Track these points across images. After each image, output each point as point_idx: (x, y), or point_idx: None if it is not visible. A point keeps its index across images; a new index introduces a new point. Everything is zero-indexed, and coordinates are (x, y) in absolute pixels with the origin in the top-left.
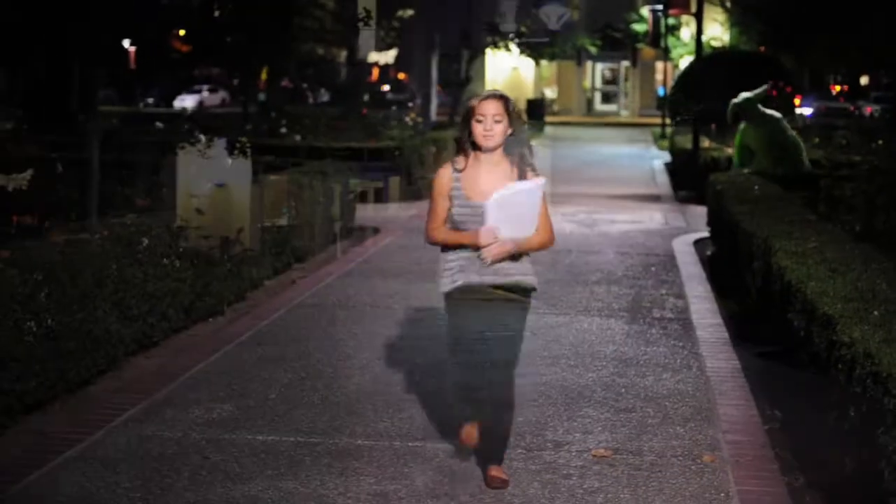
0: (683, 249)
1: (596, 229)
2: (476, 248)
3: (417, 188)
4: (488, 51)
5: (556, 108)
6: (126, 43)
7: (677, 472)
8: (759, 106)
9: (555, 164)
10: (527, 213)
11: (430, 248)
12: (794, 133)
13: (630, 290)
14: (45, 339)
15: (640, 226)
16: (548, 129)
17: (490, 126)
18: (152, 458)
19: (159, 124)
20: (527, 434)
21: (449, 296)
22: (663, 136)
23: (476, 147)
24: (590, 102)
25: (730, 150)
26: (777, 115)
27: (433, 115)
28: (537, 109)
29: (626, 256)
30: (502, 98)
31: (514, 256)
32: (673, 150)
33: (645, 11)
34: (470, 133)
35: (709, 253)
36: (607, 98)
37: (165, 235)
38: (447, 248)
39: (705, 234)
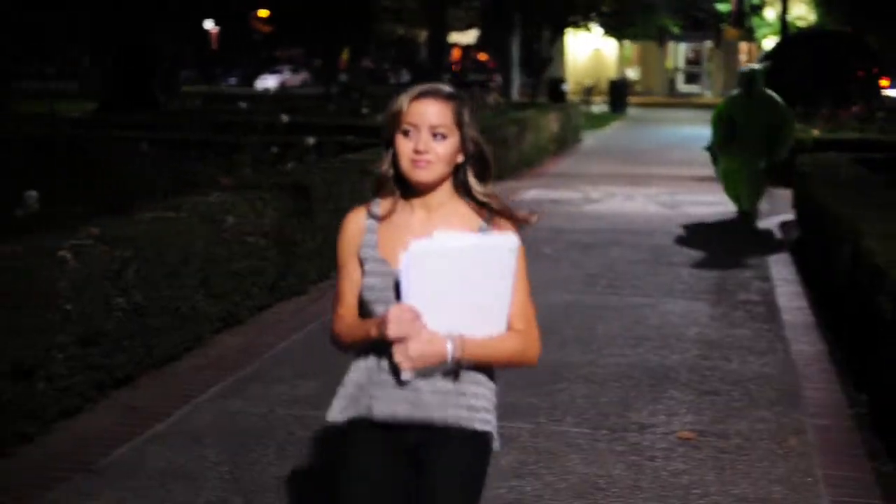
0: (769, 232)
1: (678, 210)
2: (390, 346)
3: (497, 169)
4: (569, 30)
5: (638, 88)
6: (209, 24)
7: (763, 456)
8: (760, 82)
9: (637, 145)
10: (484, 289)
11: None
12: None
13: (714, 273)
14: (133, 315)
15: (724, 207)
16: (630, 111)
17: (426, 143)
18: (238, 433)
19: (242, 104)
20: (611, 415)
21: (347, 430)
22: None
23: (401, 180)
24: (672, 83)
25: (816, 132)
26: (774, 94)
27: (515, 96)
28: (619, 90)
29: (710, 238)
30: (451, 97)
31: (456, 371)
32: None
33: None
34: (393, 154)
35: (794, 236)
36: (690, 79)
37: (250, 214)
38: (360, 349)
39: (790, 216)
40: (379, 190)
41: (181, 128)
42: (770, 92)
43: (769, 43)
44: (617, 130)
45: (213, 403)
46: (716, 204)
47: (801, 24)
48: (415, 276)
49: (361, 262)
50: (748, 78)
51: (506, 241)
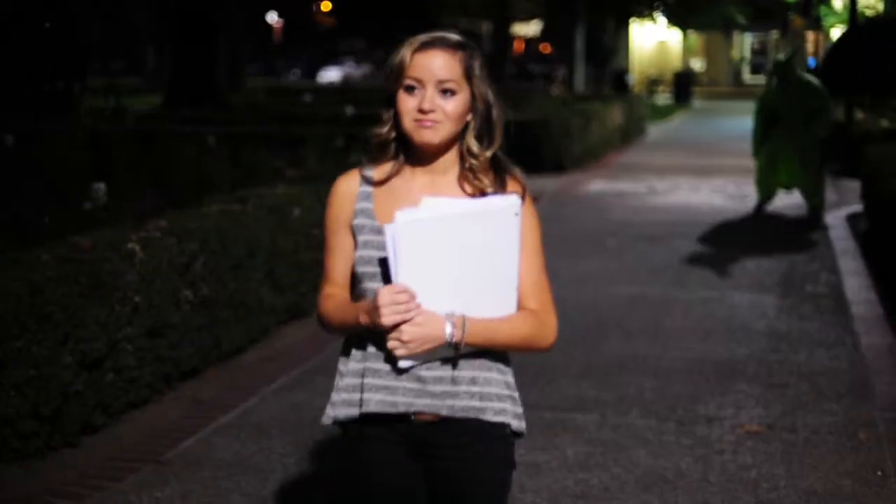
0: (836, 224)
1: (744, 202)
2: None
3: (560, 160)
4: (634, 21)
5: (703, 79)
6: (272, 17)
7: (832, 449)
8: (795, 68)
9: (702, 136)
10: (486, 261)
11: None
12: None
13: (781, 265)
14: (200, 307)
15: (791, 199)
16: (695, 102)
17: (432, 101)
18: (305, 425)
19: (307, 97)
20: (679, 408)
21: (345, 430)
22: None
23: (404, 142)
24: (738, 74)
25: (885, 123)
26: (815, 80)
27: (580, 87)
28: (684, 82)
29: (777, 230)
30: (460, 47)
31: (464, 357)
32: None
33: None
34: (395, 113)
35: (863, 228)
36: (756, 69)
37: (316, 206)
38: (352, 336)
39: (858, 208)
40: (378, 153)
41: (246, 121)
42: (806, 76)
43: (836, 32)
44: (682, 122)
45: (278, 395)
46: (782, 195)
47: (869, 12)
48: (404, 250)
49: (354, 233)
50: (782, 67)
51: (505, 203)
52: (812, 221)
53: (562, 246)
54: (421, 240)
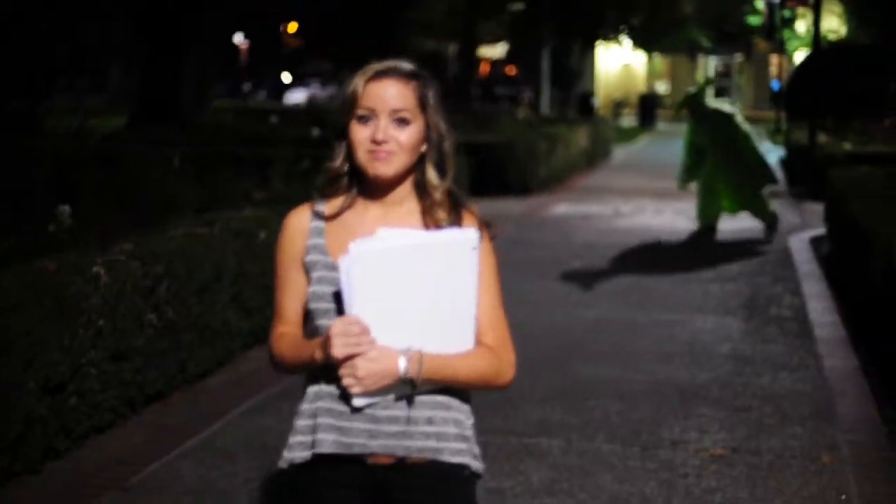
0: (799, 246)
1: None
2: (336, 368)
3: (526, 183)
4: (600, 44)
5: (668, 102)
6: (239, 38)
7: (796, 473)
8: (707, 99)
9: (667, 159)
10: (443, 295)
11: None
12: (744, 126)
13: (745, 288)
14: (165, 331)
15: (755, 222)
16: (659, 125)
17: (385, 131)
18: (271, 450)
19: (273, 118)
20: (643, 432)
21: (296, 476)
22: (777, 130)
23: (357, 174)
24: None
25: (847, 146)
26: (726, 107)
27: (546, 110)
28: (649, 105)
29: (741, 253)
30: (414, 76)
31: (420, 395)
32: (788, 145)
33: (760, 3)
34: (347, 144)
35: (827, 251)
36: (720, 92)
37: None
38: (308, 376)
39: (822, 230)
40: (330, 187)
41: (212, 142)
42: (715, 105)
43: (800, 56)
44: (646, 145)
45: (244, 420)
46: (747, 218)
47: (832, 37)
48: (358, 282)
49: (307, 270)
50: (691, 100)
51: (463, 236)
52: (769, 234)
53: (527, 268)
54: (376, 271)
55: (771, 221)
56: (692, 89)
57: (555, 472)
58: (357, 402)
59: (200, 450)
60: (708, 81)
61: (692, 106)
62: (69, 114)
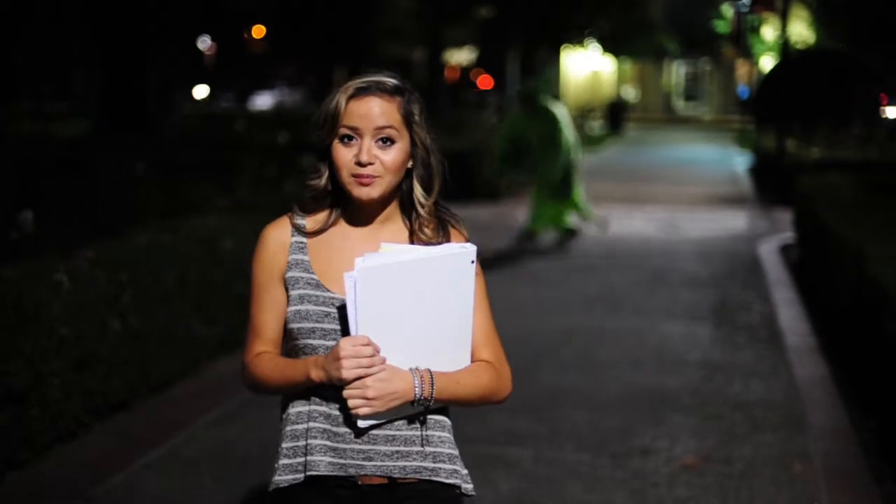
0: (769, 253)
1: (678, 231)
2: (335, 388)
3: (494, 189)
4: (567, 49)
5: (637, 108)
6: (205, 42)
7: (768, 482)
8: (541, 96)
9: (635, 165)
10: (446, 310)
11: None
12: (567, 131)
13: (715, 295)
14: (129, 339)
15: (724, 228)
16: (628, 131)
17: (369, 152)
18: (235, 460)
19: (239, 125)
20: (613, 441)
21: (285, 499)
22: (746, 136)
23: (341, 192)
24: (670, 102)
25: (815, 153)
26: (557, 109)
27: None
28: (617, 110)
29: (710, 260)
30: (398, 92)
31: (422, 415)
32: (757, 152)
33: (728, 10)
34: (330, 163)
35: (796, 258)
36: (688, 98)
37: (248, 236)
38: (289, 395)
39: (791, 237)
40: (312, 205)
41: (177, 148)
42: (547, 104)
43: (767, 62)
44: (614, 151)
45: (209, 429)
46: (716, 225)
47: (800, 44)
48: (364, 299)
49: (287, 287)
50: (525, 95)
51: (464, 250)
52: (523, 238)
53: (495, 276)
54: (382, 287)
55: (533, 231)
56: (528, 84)
57: (524, 481)
58: (363, 423)
59: (164, 460)
60: (544, 80)
61: (526, 100)
62: (31, 119)
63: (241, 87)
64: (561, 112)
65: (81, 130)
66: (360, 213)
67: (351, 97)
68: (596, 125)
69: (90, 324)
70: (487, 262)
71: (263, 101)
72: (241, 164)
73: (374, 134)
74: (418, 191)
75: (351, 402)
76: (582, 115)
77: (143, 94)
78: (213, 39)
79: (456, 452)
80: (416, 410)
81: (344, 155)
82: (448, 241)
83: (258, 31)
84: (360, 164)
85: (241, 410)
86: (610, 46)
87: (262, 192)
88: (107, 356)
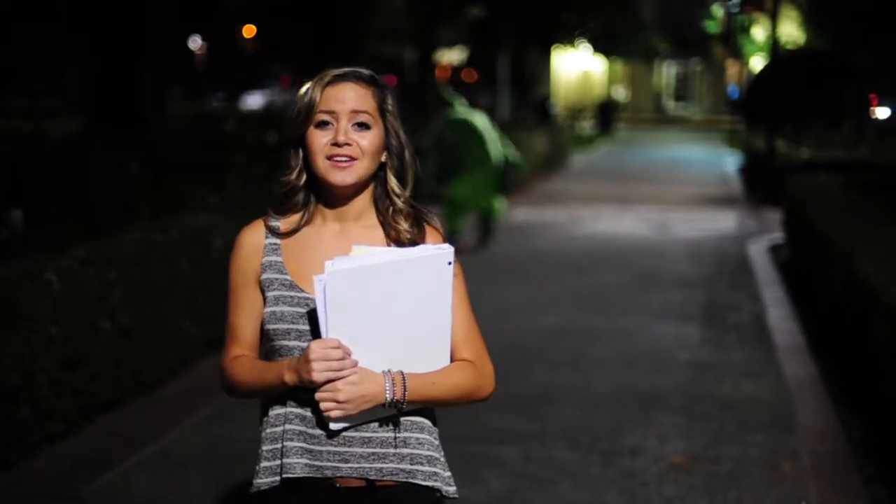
0: (758, 253)
1: (668, 231)
2: (310, 390)
3: None
4: (558, 49)
5: (628, 108)
6: (196, 42)
7: (756, 481)
8: (457, 106)
9: (625, 165)
10: (421, 312)
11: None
12: (488, 135)
13: (704, 295)
14: (119, 338)
15: (714, 228)
16: (618, 131)
17: (346, 133)
18: (225, 459)
19: (229, 124)
20: (603, 440)
21: (266, 500)
22: (736, 137)
23: (315, 187)
24: (661, 103)
25: (805, 153)
26: (474, 117)
27: (504, 115)
28: (607, 111)
29: (700, 260)
30: (372, 82)
31: (395, 417)
32: (747, 152)
33: (718, 10)
34: (305, 153)
35: (785, 258)
36: (679, 98)
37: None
38: (268, 398)
39: (781, 237)
40: (285, 203)
41: (169, 147)
42: (461, 112)
43: (757, 62)
44: (605, 151)
45: (199, 428)
46: (707, 225)
47: (790, 44)
48: (334, 302)
49: (263, 289)
50: (444, 103)
51: (440, 252)
52: (482, 239)
53: (485, 275)
54: (352, 290)
55: (453, 232)
56: (446, 95)
57: (514, 480)
58: (335, 425)
59: (154, 459)
60: (453, 92)
61: (445, 110)
62: (23, 117)
63: (231, 86)
64: (480, 119)
65: (73, 128)
66: (334, 205)
67: (327, 84)
68: (586, 125)
69: (80, 323)
70: (475, 261)
71: (254, 100)
72: (232, 162)
73: (350, 118)
74: (393, 181)
75: (322, 405)
76: (572, 115)
77: (136, 93)
78: (203, 39)
79: (437, 455)
80: (390, 413)
81: (319, 140)
82: (423, 236)
83: (249, 31)
84: (336, 144)
85: (231, 409)
86: (600, 47)
87: (252, 190)
88: (97, 355)
